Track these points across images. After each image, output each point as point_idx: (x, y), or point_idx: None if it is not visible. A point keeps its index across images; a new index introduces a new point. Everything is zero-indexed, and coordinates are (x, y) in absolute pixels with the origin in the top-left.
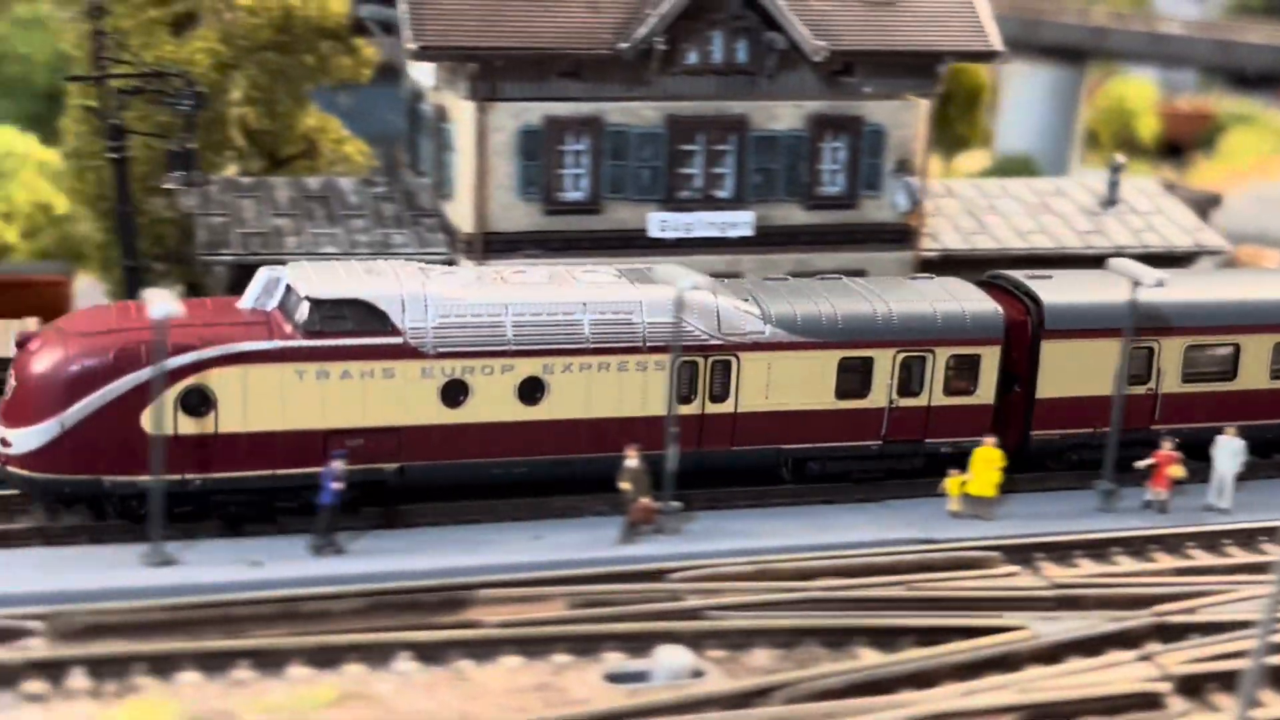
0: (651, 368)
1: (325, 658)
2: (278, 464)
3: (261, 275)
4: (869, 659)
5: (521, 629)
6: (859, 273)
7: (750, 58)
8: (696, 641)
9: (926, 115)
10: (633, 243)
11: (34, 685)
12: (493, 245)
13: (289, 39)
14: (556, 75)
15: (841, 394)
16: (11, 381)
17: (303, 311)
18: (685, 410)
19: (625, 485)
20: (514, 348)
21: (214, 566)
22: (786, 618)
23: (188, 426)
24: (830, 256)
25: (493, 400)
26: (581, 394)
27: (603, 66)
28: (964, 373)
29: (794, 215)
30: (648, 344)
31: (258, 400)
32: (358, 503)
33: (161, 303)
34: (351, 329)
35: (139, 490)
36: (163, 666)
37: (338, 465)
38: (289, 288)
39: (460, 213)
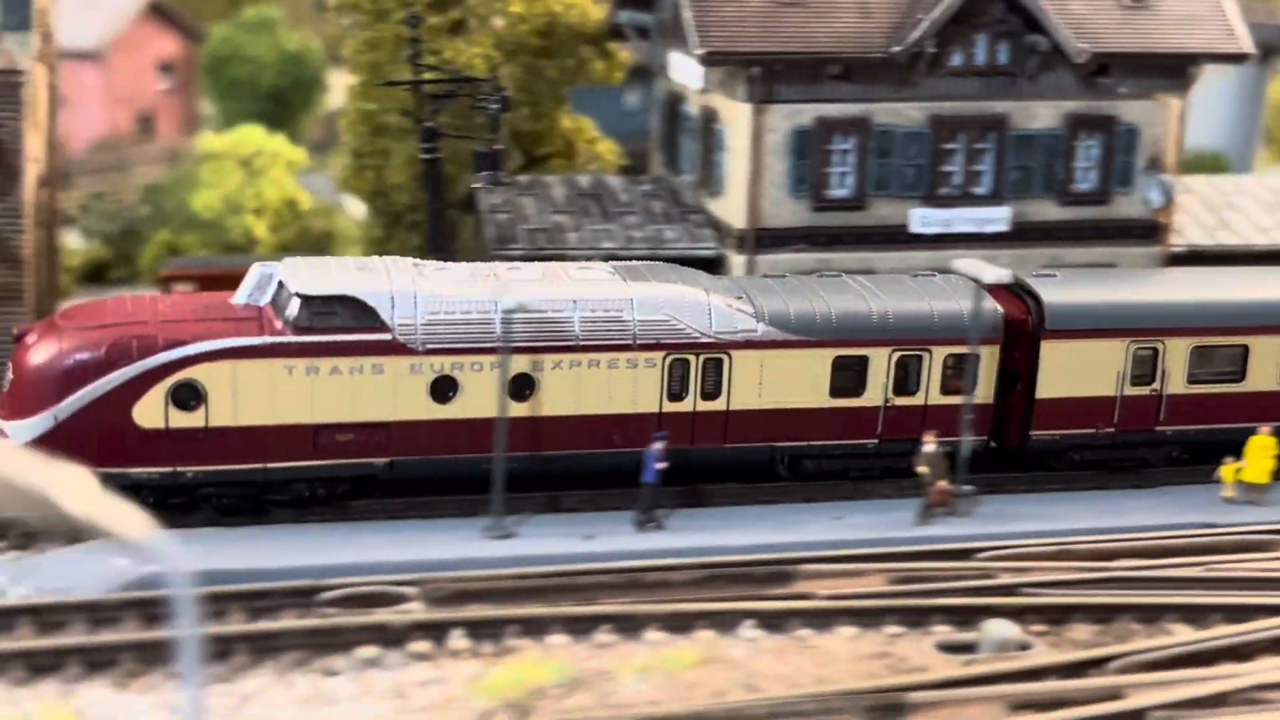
0: (642, 365)
1: (678, 624)
2: (267, 458)
3: (255, 271)
4: (1183, 634)
5: (853, 601)
6: (1110, 266)
7: (1011, 59)
8: (1017, 616)
9: (1178, 115)
10: (894, 238)
11: (419, 645)
12: (763, 240)
13: (551, 44)
14: (828, 78)
15: (836, 392)
16: (9, 374)
17: (293, 308)
18: (676, 407)
19: (923, 470)
20: (503, 344)
21: (550, 539)
22: (1100, 595)
23: (179, 420)
24: (1082, 251)
25: (482, 396)
26: (571, 391)
27: (872, 69)
28: (962, 372)
29: (1048, 211)
30: (638, 341)
31: (247, 395)
32: (348, 495)
33: None
34: (341, 325)
35: (132, 482)
36: (533, 629)
37: (659, 446)
38: (281, 284)
39: (731, 209)
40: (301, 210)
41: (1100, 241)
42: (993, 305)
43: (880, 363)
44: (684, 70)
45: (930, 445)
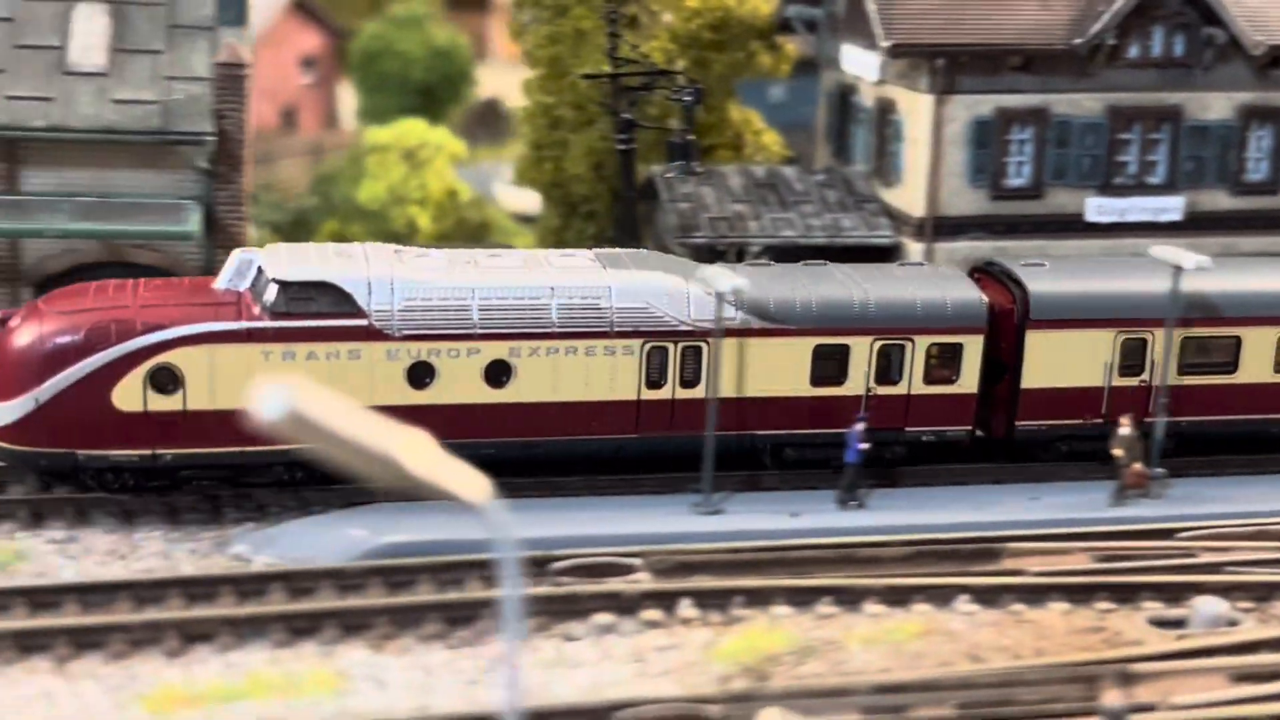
0: (620, 352)
1: (896, 597)
2: (245, 441)
3: (235, 256)
4: None
5: (1063, 577)
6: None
7: (1188, 51)
8: (1224, 593)
9: None
10: (1070, 227)
11: (651, 613)
12: (942, 228)
13: (723, 38)
14: (1008, 69)
15: (817, 381)
16: None
17: (271, 293)
18: (655, 395)
19: (1118, 452)
20: (480, 331)
21: (757, 516)
22: None
23: (157, 403)
24: (1254, 240)
25: (459, 383)
26: (549, 378)
27: (1051, 61)
28: (946, 361)
29: (1220, 201)
30: (616, 329)
31: (224, 379)
32: (327, 481)
33: None
34: (317, 311)
35: (112, 464)
36: (757, 599)
37: (861, 427)
38: (260, 270)
39: (908, 198)
40: (460, 201)
41: (1272, 231)
42: (977, 294)
43: (862, 352)
44: (858, 62)
45: (1125, 428)
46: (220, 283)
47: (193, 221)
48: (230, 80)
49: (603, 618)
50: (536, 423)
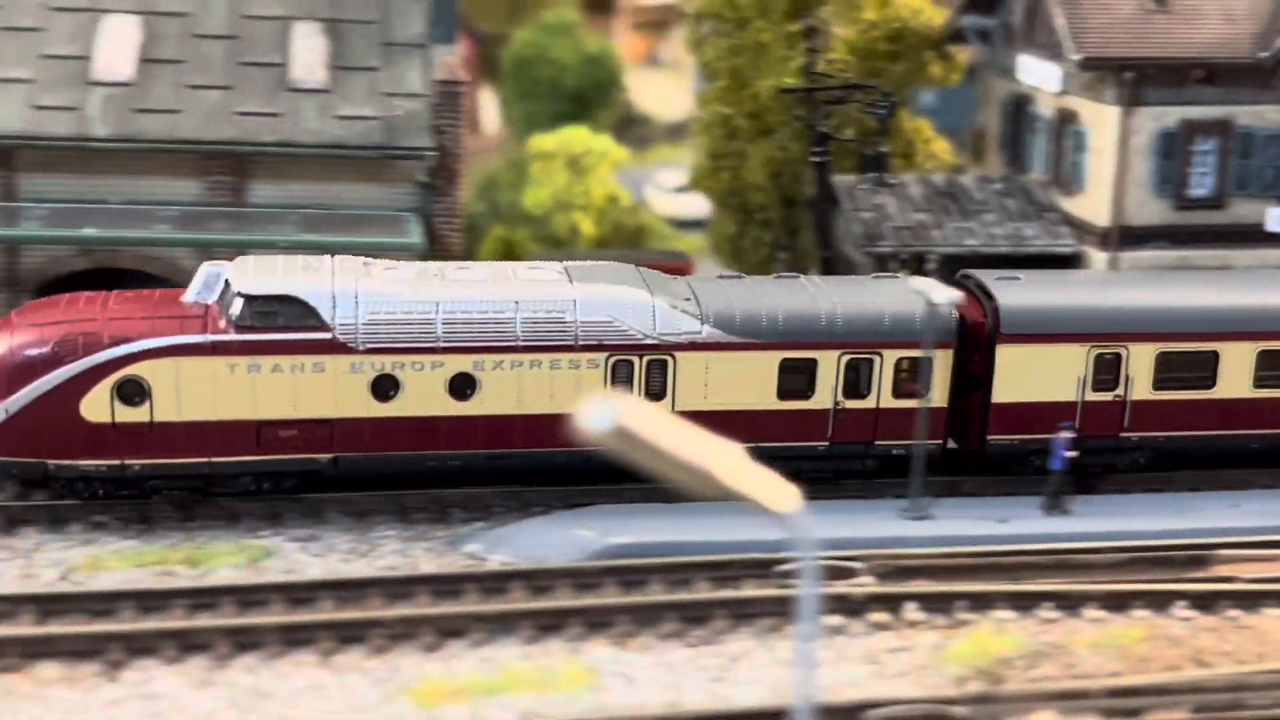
0: (585, 366)
1: (1115, 602)
2: (212, 452)
3: (204, 270)
4: None
5: (1278, 585)
6: None
7: None
8: None
9: None
10: (1251, 237)
11: (878, 616)
12: (1126, 238)
13: (898, 48)
14: (1192, 82)
15: (784, 394)
16: None
17: (236, 306)
18: None
19: None
20: (444, 344)
21: (965, 521)
22: None
23: (125, 415)
24: None
25: (423, 395)
26: (513, 390)
27: (1235, 74)
28: (915, 376)
29: None
30: (580, 342)
31: (190, 391)
32: (295, 490)
33: None
34: (282, 324)
35: (81, 473)
36: (980, 603)
37: (1066, 435)
38: (227, 283)
39: (1092, 208)
40: (621, 206)
41: None
42: (947, 309)
43: (829, 365)
44: (1036, 73)
45: None
46: (189, 296)
47: (415, 233)
48: (449, 97)
49: (833, 619)
50: (502, 435)
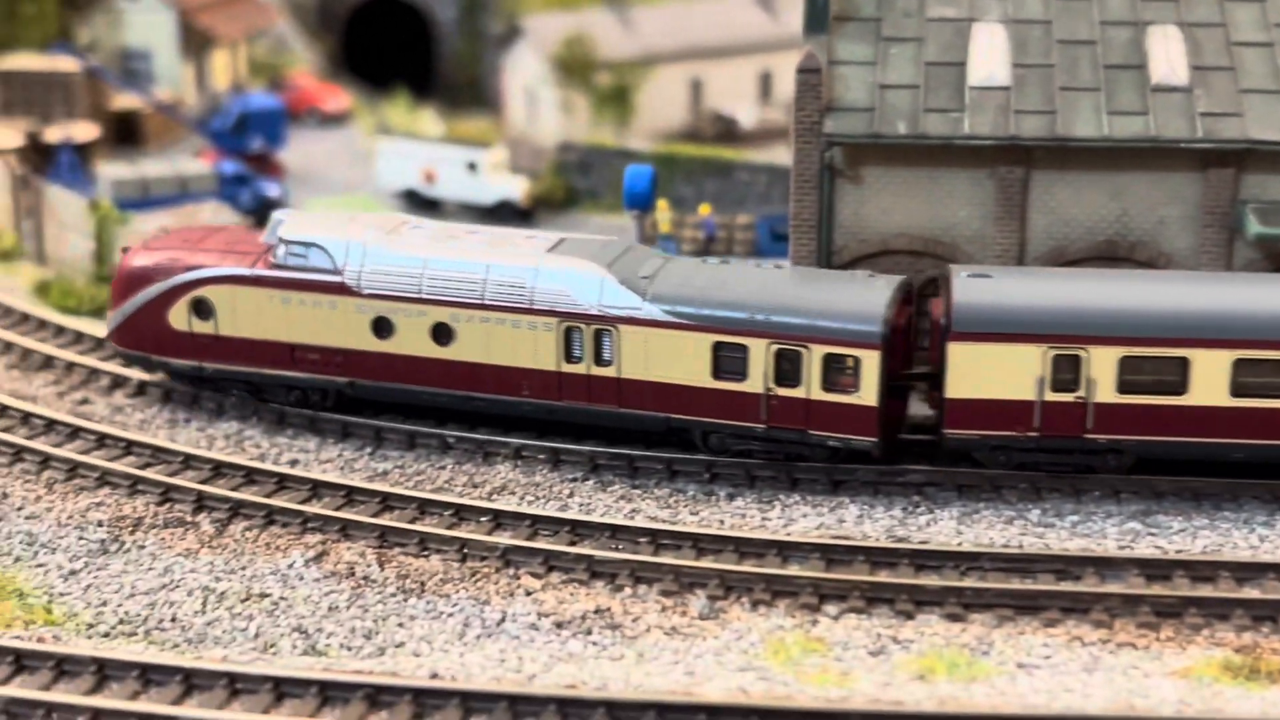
0: (541, 328)
1: None
2: (260, 364)
3: (274, 216)
4: None
5: None
6: None
7: None
8: None
9: None
10: None
11: None
12: None
13: None
14: None
15: (719, 375)
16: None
17: (279, 248)
18: (574, 369)
19: None
20: (427, 297)
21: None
22: None
23: (198, 326)
24: None
25: (412, 338)
26: (483, 342)
27: None
28: (843, 372)
29: None
30: (536, 307)
31: (243, 313)
32: (317, 405)
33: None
34: (308, 266)
35: (172, 369)
36: None
37: None
38: (279, 227)
39: None
40: None
41: None
42: (877, 310)
43: (759, 353)
44: None
45: None
46: (264, 236)
47: None
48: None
49: None
50: (474, 380)
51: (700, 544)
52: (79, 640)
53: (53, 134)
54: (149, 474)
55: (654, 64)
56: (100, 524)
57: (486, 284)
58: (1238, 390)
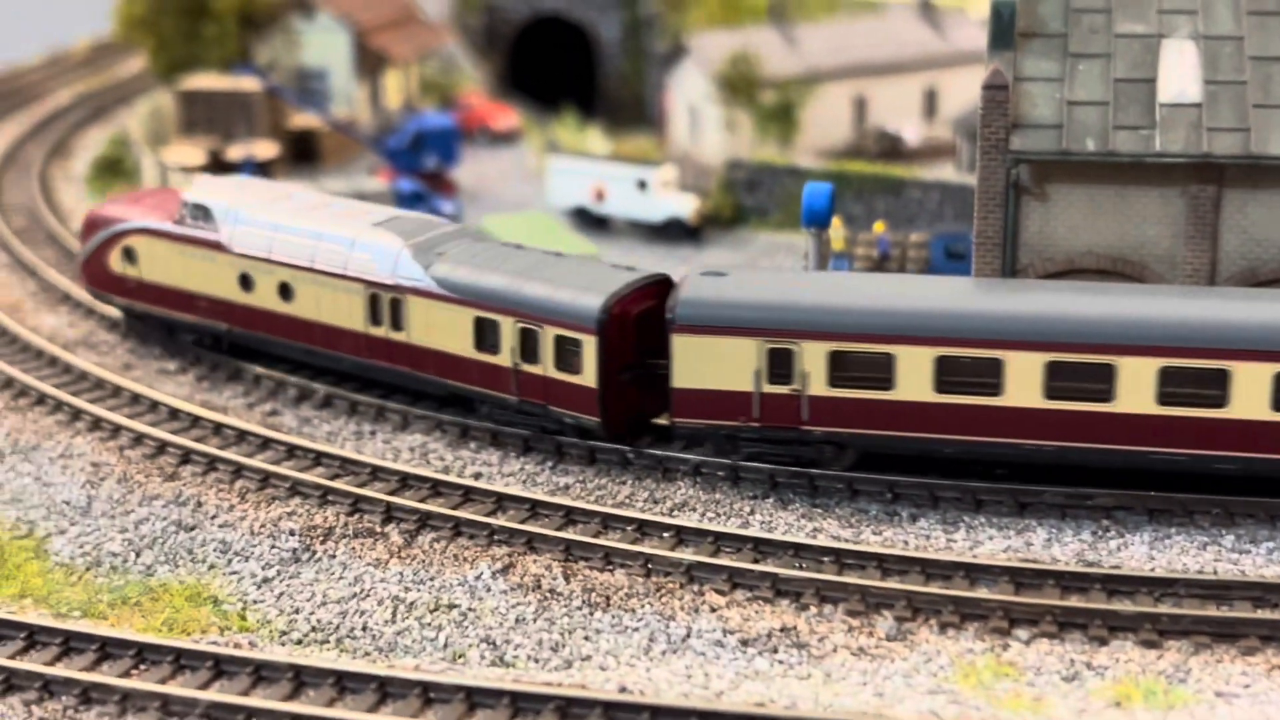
0: (352, 293)
1: None
2: (169, 307)
3: (195, 180)
4: None
5: None
6: None
7: None
8: None
9: None
10: None
11: None
12: None
13: None
14: None
15: (480, 348)
16: None
17: (184, 208)
18: (376, 332)
19: None
20: (274, 258)
21: None
22: None
23: (128, 270)
24: None
25: (266, 293)
26: (314, 301)
27: None
28: (570, 353)
29: None
30: (349, 274)
31: (156, 262)
32: (211, 347)
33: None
34: (200, 224)
35: (115, 305)
36: None
37: None
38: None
39: None
40: None
41: None
42: (599, 298)
43: (509, 330)
44: None
45: None
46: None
47: None
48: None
49: None
50: (309, 335)
51: (885, 564)
52: (274, 647)
53: (234, 152)
54: (339, 485)
55: (818, 81)
56: (292, 533)
57: (317, 250)
58: (941, 387)
